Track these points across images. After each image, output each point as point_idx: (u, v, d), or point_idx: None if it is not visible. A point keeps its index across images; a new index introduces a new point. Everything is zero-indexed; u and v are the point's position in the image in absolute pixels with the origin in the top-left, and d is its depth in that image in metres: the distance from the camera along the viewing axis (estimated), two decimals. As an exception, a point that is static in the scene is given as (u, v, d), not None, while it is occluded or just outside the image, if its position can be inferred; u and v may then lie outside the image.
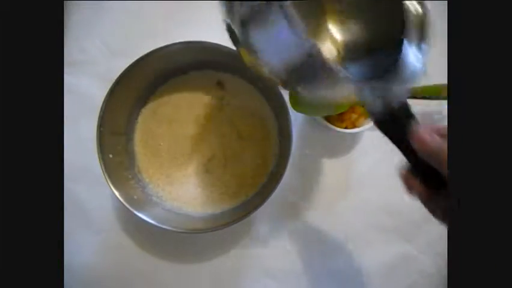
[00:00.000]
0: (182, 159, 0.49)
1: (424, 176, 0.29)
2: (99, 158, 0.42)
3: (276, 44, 0.26)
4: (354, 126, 0.47)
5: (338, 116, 0.48)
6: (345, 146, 0.52)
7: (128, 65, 0.43)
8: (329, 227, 0.50)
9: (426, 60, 0.29)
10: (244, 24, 0.26)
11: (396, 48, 0.28)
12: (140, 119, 0.49)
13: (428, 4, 0.53)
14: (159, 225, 0.42)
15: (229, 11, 0.27)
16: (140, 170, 0.48)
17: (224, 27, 0.28)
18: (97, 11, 0.53)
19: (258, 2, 0.25)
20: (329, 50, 0.35)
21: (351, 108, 0.47)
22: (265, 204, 0.41)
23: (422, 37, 0.29)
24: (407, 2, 0.29)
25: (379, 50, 0.31)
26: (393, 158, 0.51)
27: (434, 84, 0.46)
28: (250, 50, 0.27)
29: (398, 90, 0.27)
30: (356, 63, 0.33)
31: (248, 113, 0.49)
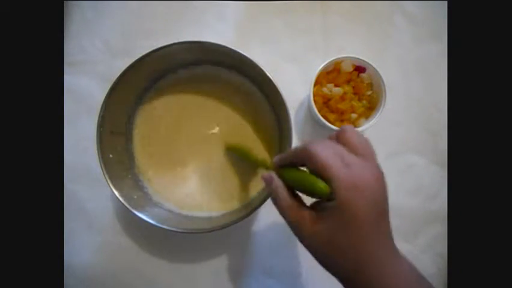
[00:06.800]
0: (182, 159, 0.49)
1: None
2: (99, 158, 0.42)
3: None
4: (354, 126, 0.47)
5: (338, 116, 0.48)
6: (345, 146, 0.51)
7: (128, 65, 0.43)
8: (329, 227, 0.50)
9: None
10: None
11: None
12: (140, 118, 0.49)
13: (428, 4, 0.53)
14: (159, 225, 0.42)
15: None
16: (140, 170, 0.48)
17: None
18: (97, 10, 0.53)
19: None
20: None
21: (351, 108, 0.47)
22: (265, 204, 0.41)
23: None
24: None
25: None
26: (392, 158, 0.51)
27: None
28: None
29: None
30: None
31: (248, 113, 0.49)
